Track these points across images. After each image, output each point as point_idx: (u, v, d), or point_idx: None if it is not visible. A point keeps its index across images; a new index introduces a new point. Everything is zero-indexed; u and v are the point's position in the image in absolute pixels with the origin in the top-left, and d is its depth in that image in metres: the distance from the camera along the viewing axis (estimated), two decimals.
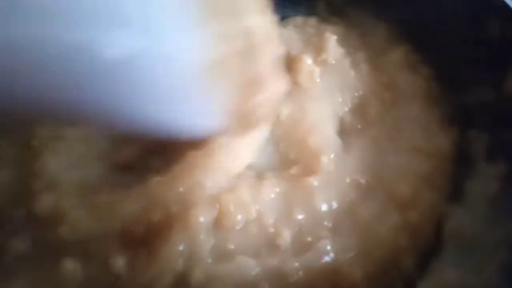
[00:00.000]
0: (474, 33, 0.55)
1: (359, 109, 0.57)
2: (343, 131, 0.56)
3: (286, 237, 0.44)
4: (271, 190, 0.47)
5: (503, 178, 0.48)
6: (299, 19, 0.69)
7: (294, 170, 0.50)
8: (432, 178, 0.50)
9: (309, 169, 0.50)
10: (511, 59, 0.52)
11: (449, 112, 0.56)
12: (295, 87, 0.59)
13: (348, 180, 0.49)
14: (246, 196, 0.45)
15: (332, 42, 0.62)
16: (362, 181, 0.49)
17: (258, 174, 0.50)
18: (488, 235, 0.45)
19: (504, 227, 0.43)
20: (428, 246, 0.46)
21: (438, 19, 0.59)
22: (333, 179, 0.49)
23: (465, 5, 0.55)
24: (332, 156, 0.51)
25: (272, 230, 0.44)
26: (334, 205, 0.47)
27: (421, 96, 0.57)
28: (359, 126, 0.56)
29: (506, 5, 0.52)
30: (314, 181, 0.48)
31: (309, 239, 0.44)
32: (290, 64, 0.61)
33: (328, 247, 0.43)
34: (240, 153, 0.49)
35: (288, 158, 0.52)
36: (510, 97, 0.51)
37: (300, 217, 0.45)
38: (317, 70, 0.59)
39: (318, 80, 0.59)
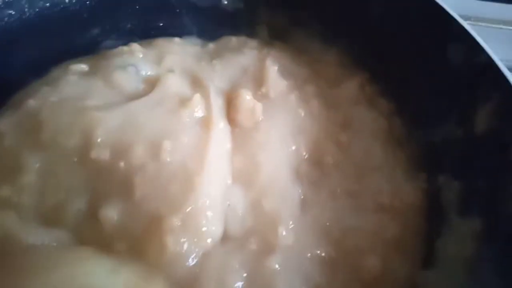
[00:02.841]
0: (436, 60, 0.48)
1: (315, 157, 0.49)
2: (299, 185, 0.48)
3: None
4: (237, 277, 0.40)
5: (479, 236, 0.42)
6: (234, 40, 0.60)
7: (252, 244, 0.43)
8: (402, 241, 0.44)
9: (266, 243, 0.43)
10: (479, 89, 0.45)
11: (415, 154, 0.49)
12: (238, 130, 0.51)
13: (309, 255, 0.43)
14: None
15: (273, 72, 0.53)
16: (325, 255, 0.43)
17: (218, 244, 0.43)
18: None
19: None
20: None
21: (395, 45, 0.51)
22: (293, 257, 0.42)
23: (424, 29, 0.48)
24: (290, 224, 0.44)
25: None
26: None
27: (382, 136, 0.50)
28: (316, 178, 0.48)
29: (466, 30, 0.45)
30: (274, 263, 0.41)
31: None
32: (228, 101, 0.52)
33: None
34: None
35: (246, 225, 0.45)
36: (481, 135, 0.44)
37: None
38: (259, 106, 0.51)
39: (261, 118, 0.51)
